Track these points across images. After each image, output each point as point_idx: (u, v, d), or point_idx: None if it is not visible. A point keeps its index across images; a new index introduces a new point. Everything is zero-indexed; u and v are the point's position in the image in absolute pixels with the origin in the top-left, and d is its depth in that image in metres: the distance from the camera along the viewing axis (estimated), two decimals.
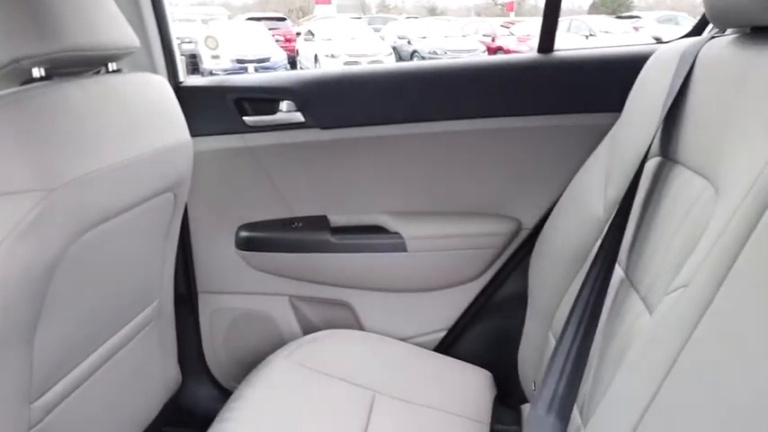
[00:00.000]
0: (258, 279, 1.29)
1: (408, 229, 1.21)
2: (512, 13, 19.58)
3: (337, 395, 1.00)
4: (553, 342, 0.91)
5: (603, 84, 1.09)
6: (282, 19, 12.53)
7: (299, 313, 1.32)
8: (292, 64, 10.57)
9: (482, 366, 1.17)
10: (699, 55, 0.79)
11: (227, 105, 1.19)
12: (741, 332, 0.46)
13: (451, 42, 10.49)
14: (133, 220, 0.87)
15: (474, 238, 1.20)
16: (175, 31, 1.22)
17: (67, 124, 0.73)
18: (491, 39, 11.71)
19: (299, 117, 1.18)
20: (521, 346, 1.09)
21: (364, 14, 20.50)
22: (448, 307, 1.27)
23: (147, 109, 0.90)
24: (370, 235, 1.24)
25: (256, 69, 8.94)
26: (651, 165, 0.82)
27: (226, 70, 8.82)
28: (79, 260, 0.77)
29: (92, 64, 0.86)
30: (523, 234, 1.22)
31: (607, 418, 0.62)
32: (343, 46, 10.10)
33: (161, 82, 0.97)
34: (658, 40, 1.46)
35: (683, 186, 0.71)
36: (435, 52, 10.45)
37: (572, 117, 1.13)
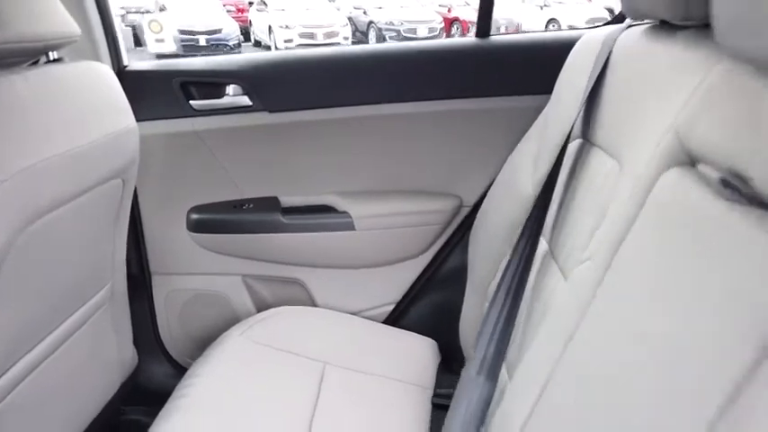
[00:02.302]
0: (211, 259, 1.32)
1: (356, 209, 1.26)
2: None
3: (289, 368, 1.05)
4: None
5: (536, 67, 1.15)
6: None
7: (252, 292, 1.36)
8: (245, 35, 10.31)
9: (428, 336, 1.24)
10: (616, 43, 0.86)
11: (174, 89, 1.20)
12: (630, 297, 0.53)
13: (408, 13, 10.40)
14: (82, 206, 0.89)
15: (418, 216, 1.27)
16: (119, 9, 1.21)
17: (10, 115, 0.74)
18: (447, 9, 11.65)
19: (246, 101, 1.21)
20: (461, 316, 1.16)
21: None
22: (395, 281, 1.33)
23: (90, 97, 0.91)
24: (319, 215, 1.28)
25: (207, 42, 8.71)
26: (573, 146, 0.89)
27: (175, 41, 8.56)
28: (28, 248, 0.79)
29: (32, 54, 0.86)
30: (465, 211, 1.29)
31: (524, 378, 0.70)
32: (298, 17, 9.90)
33: (103, 69, 0.98)
34: (611, 12, 1.53)
35: (598, 167, 0.78)
36: (392, 23, 10.35)
37: (508, 99, 1.19)
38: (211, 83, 1.21)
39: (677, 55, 0.65)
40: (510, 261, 0.84)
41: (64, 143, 0.81)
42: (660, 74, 0.67)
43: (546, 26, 9.92)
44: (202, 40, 8.69)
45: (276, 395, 0.98)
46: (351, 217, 1.26)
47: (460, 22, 11.25)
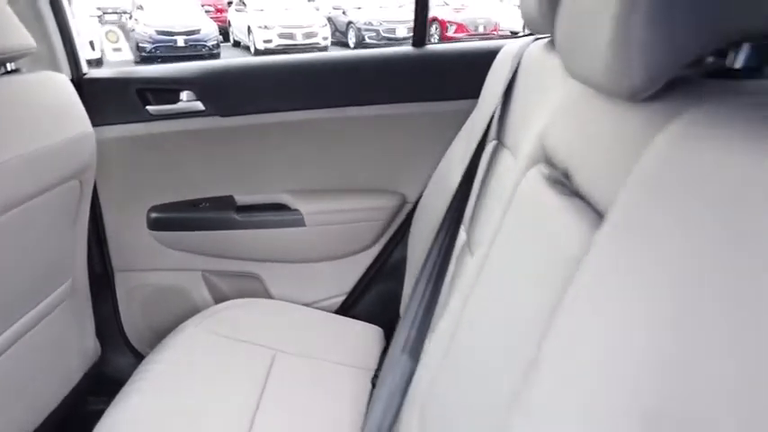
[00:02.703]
0: (171, 256, 1.40)
1: (307, 206, 1.35)
2: None
3: (241, 355, 1.13)
4: None
5: (467, 75, 1.24)
6: None
7: (211, 286, 1.44)
8: (224, 35, 10.32)
9: (376, 323, 1.33)
10: (524, 54, 0.95)
11: (130, 96, 1.27)
12: (500, 282, 0.63)
13: (387, 13, 10.44)
14: (38, 207, 0.96)
15: (365, 212, 1.35)
16: (81, 21, 1.28)
17: None
18: None
19: (199, 106, 1.29)
20: (402, 303, 1.25)
21: None
22: (345, 274, 1.42)
23: (46, 105, 0.98)
24: (272, 212, 1.37)
25: (185, 42, 8.71)
26: (490, 147, 0.98)
27: (152, 41, 8.52)
28: None
29: None
30: (408, 207, 1.38)
31: (433, 354, 0.79)
32: (277, 17, 9.92)
33: (59, 78, 1.05)
34: None
35: (506, 165, 0.88)
36: (371, 23, 10.41)
37: (443, 104, 1.28)
38: (166, 89, 1.29)
39: (554, 69, 0.74)
40: (431, 249, 0.93)
41: (19, 147, 0.89)
42: (543, 84, 0.77)
43: (524, 26, 10.08)
44: (180, 41, 8.69)
45: (228, 378, 1.06)
46: (302, 214, 1.35)
47: (439, 21, 11.34)
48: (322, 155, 1.34)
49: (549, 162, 0.60)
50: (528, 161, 0.66)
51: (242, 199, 1.38)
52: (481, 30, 10.42)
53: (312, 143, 1.33)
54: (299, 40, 9.84)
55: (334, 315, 1.36)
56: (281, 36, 9.69)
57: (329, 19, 10.80)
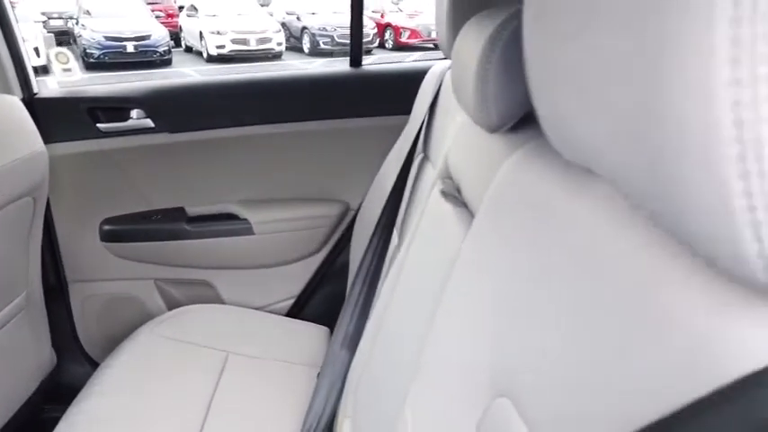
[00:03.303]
0: (124, 266, 1.46)
1: (255, 215, 1.43)
2: None
3: (194, 358, 1.20)
4: None
5: (400, 92, 1.35)
6: None
7: (164, 293, 1.50)
8: (176, 41, 10.20)
9: (325, 324, 1.42)
10: (446, 75, 1.07)
11: (81, 114, 1.33)
12: (412, 279, 0.73)
13: (341, 18, 10.50)
14: None
15: (311, 220, 1.45)
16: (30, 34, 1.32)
17: None
18: (380, 15, 11.87)
19: (149, 123, 1.35)
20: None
21: None
22: (294, 278, 1.51)
23: None
24: (222, 222, 1.44)
25: (135, 48, 8.58)
26: (418, 160, 1.09)
27: (101, 47, 8.35)
28: None
29: None
30: (351, 214, 1.48)
31: (364, 346, 0.89)
32: (230, 23, 9.84)
33: (9, 100, 1.10)
34: None
35: (427, 176, 0.99)
36: (325, 29, 10.44)
37: (379, 119, 1.39)
38: (116, 108, 1.35)
39: None
40: (366, 252, 1.03)
41: None
42: (453, 106, 0.88)
43: None
44: (130, 47, 8.55)
45: (181, 381, 1.13)
46: (250, 223, 1.43)
47: (393, 27, 11.52)
48: (269, 167, 1.43)
49: (449, 177, 0.71)
50: (438, 175, 0.77)
51: (193, 210, 1.45)
52: (434, 35, 10.61)
53: (259, 156, 1.41)
54: (253, 46, 9.80)
55: (283, 317, 1.44)
56: (235, 42, 9.63)
57: (283, 24, 10.77)
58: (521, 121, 0.54)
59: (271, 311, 1.48)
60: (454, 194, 0.64)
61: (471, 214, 0.61)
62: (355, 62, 1.39)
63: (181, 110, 1.36)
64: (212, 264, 1.47)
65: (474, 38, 0.58)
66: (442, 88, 1.04)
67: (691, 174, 0.19)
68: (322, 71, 1.43)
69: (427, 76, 1.18)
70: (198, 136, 1.38)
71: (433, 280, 0.61)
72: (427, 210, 0.76)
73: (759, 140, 0.17)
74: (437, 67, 1.16)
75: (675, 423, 0.22)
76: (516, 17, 0.52)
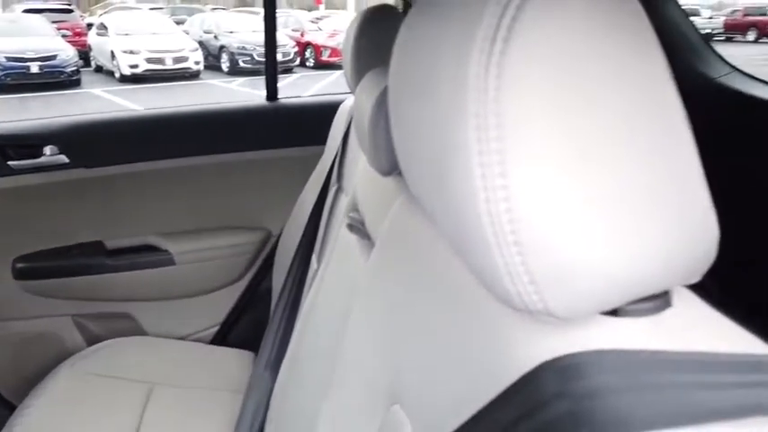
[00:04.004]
0: (40, 304, 1.43)
1: (176, 246, 1.45)
2: (321, 6, 20.14)
3: (117, 393, 1.20)
4: None
5: (316, 124, 1.43)
6: (69, 10, 11.31)
7: (83, 329, 1.48)
8: (85, 60, 9.78)
9: (251, 349, 1.45)
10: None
11: None
12: (327, 297, 0.80)
13: (261, 37, 10.44)
14: None
15: (232, 248, 1.49)
16: None
17: None
18: (300, 34, 11.93)
19: (63, 159, 1.35)
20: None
21: (168, 4, 19.42)
22: (218, 306, 1.54)
23: None
24: (143, 254, 1.45)
25: (40, 69, 8.15)
26: (333, 190, 1.17)
27: (2, 68, 7.85)
28: None
29: None
30: (273, 240, 1.53)
31: (284, 368, 0.95)
32: (144, 41, 9.57)
33: None
34: None
35: (341, 205, 1.07)
36: (244, 47, 10.38)
37: (297, 149, 1.47)
38: (28, 145, 1.34)
39: None
40: (287, 277, 1.09)
41: None
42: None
43: None
44: (34, 68, 8.10)
45: (104, 417, 1.13)
46: (171, 254, 1.45)
47: (313, 46, 11.63)
48: (189, 198, 1.46)
49: (356, 209, 0.80)
50: (347, 209, 0.85)
51: (112, 243, 1.45)
52: None
53: (179, 188, 1.44)
54: (170, 65, 9.58)
55: (208, 345, 1.46)
56: (150, 61, 9.38)
57: (200, 43, 10.62)
58: None
59: (195, 340, 1.50)
60: (359, 227, 0.72)
61: (373, 245, 0.69)
62: (271, 96, 1.46)
63: (97, 145, 1.37)
64: (133, 296, 1.47)
65: (368, 92, 0.67)
66: (352, 122, 1.13)
67: (468, 232, 0.28)
68: (239, 105, 1.48)
69: (339, 110, 1.27)
70: (115, 170, 1.39)
71: (341, 305, 0.69)
72: (339, 239, 0.84)
73: (501, 219, 0.26)
74: (349, 101, 1.25)
75: (490, 408, 0.31)
76: None
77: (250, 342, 1.50)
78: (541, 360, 0.29)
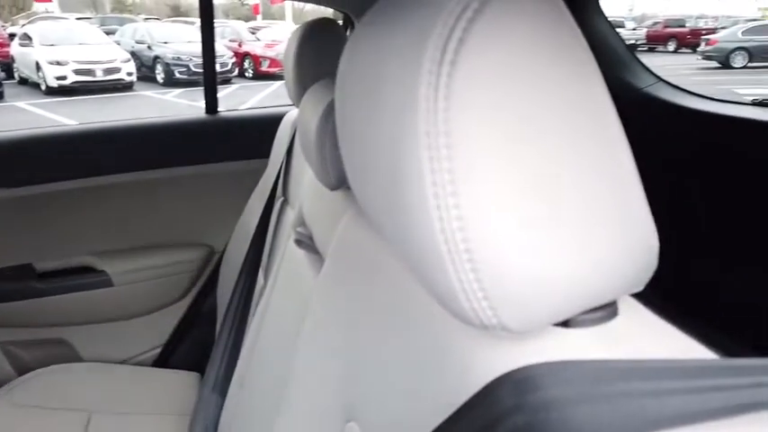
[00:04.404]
0: None
1: (113, 266, 1.39)
2: (258, 16, 19.92)
3: (53, 424, 1.14)
4: None
5: (258, 137, 1.41)
6: None
7: (12, 357, 1.39)
8: (7, 72, 9.27)
9: (194, 370, 1.41)
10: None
11: None
12: (274, 321, 0.79)
13: (197, 47, 10.18)
14: None
15: (173, 266, 1.44)
16: None
17: None
18: (238, 44, 11.76)
19: None
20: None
21: (96, 13, 18.70)
22: (160, 326, 1.48)
23: None
24: (77, 276, 1.38)
25: None
26: (279, 203, 1.15)
27: None
28: None
29: None
30: (216, 257, 1.49)
31: (232, 388, 0.93)
32: (72, 52, 9.16)
33: None
34: None
35: (288, 220, 1.05)
36: (180, 58, 10.14)
37: (239, 163, 1.44)
38: None
39: None
40: (233, 294, 1.06)
41: None
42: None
43: None
44: None
45: None
46: (108, 274, 1.38)
47: (252, 56, 11.49)
48: (126, 216, 1.40)
49: (303, 223, 0.79)
50: (294, 222, 0.84)
51: (43, 266, 1.37)
52: None
53: (114, 205, 1.38)
54: (100, 77, 9.23)
55: (150, 368, 1.41)
56: (78, 72, 9.00)
57: (133, 53, 10.30)
58: None
59: (136, 364, 1.44)
60: (307, 242, 0.71)
61: (323, 260, 0.69)
62: (211, 109, 1.43)
63: (23, 163, 1.29)
64: (68, 321, 1.40)
65: (314, 106, 0.66)
66: (297, 135, 1.12)
67: (423, 249, 0.28)
68: (177, 118, 1.44)
69: (283, 123, 1.26)
70: (43, 189, 1.32)
71: (292, 322, 0.68)
72: (286, 254, 0.83)
73: (455, 237, 0.26)
74: (292, 114, 1.24)
75: (449, 423, 0.32)
76: None
77: (195, 363, 1.45)
78: (498, 373, 0.30)
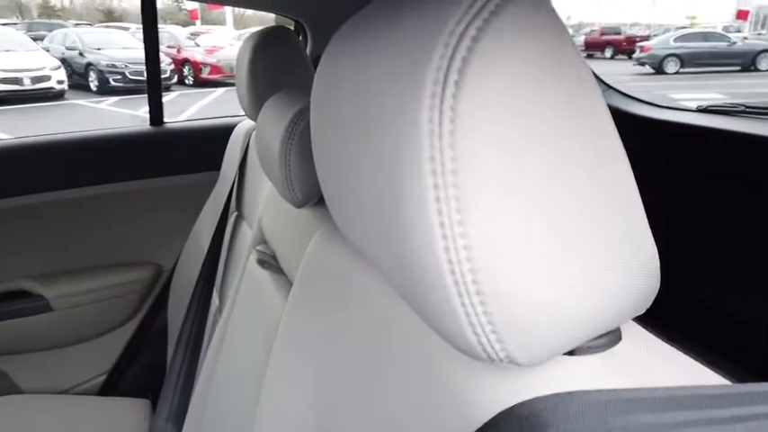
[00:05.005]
0: None
1: (52, 290, 1.30)
2: (197, 21, 19.44)
3: None
4: None
5: (207, 148, 1.35)
6: None
7: None
8: None
9: (144, 396, 1.33)
10: (253, 133, 1.10)
11: None
12: (236, 343, 0.75)
13: (133, 53, 9.85)
14: None
15: (119, 287, 1.36)
16: None
17: None
18: (176, 50, 11.44)
19: None
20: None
21: (22, 18, 17.77)
22: (104, 352, 1.39)
23: None
24: (12, 301, 1.28)
25: None
26: (232, 218, 1.11)
27: None
28: None
29: None
30: (165, 276, 1.42)
31: (192, 416, 0.87)
32: None
33: None
34: None
35: (244, 236, 1.01)
36: (114, 65, 9.76)
37: (188, 176, 1.37)
38: None
39: None
40: (187, 315, 1.01)
41: None
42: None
43: None
44: None
45: None
46: (47, 299, 1.29)
47: (191, 63, 11.18)
48: (65, 235, 1.31)
49: (264, 241, 0.75)
50: (253, 241, 0.80)
51: None
52: (227, 71, 10.55)
53: (52, 224, 1.29)
54: (28, 85, 8.78)
55: (94, 397, 1.32)
56: (4, 81, 8.54)
57: (64, 61, 9.84)
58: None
59: (80, 393, 1.35)
60: (271, 262, 0.68)
61: (289, 281, 0.65)
62: (156, 121, 1.36)
63: None
64: (4, 350, 1.29)
65: (275, 119, 0.63)
66: (251, 148, 1.07)
67: (425, 281, 0.26)
68: (120, 131, 1.36)
69: (234, 134, 1.21)
70: None
71: (256, 349, 0.64)
72: (246, 274, 0.78)
73: (462, 268, 0.24)
74: (244, 124, 1.19)
75: None
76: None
77: (144, 390, 1.37)
78: (501, 408, 0.28)
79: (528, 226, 0.24)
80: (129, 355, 1.42)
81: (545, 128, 0.24)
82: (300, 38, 1.37)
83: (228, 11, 18.50)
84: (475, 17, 0.23)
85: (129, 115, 7.61)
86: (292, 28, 1.36)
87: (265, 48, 0.91)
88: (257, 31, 0.94)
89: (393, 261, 0.29)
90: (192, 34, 13.29)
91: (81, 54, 10.22)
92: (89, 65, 9.99)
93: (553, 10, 0.25)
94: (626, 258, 0.27)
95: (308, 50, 1.37)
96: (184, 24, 17.75)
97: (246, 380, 0.65)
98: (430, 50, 0.24)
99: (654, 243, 0.28)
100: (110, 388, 1.41)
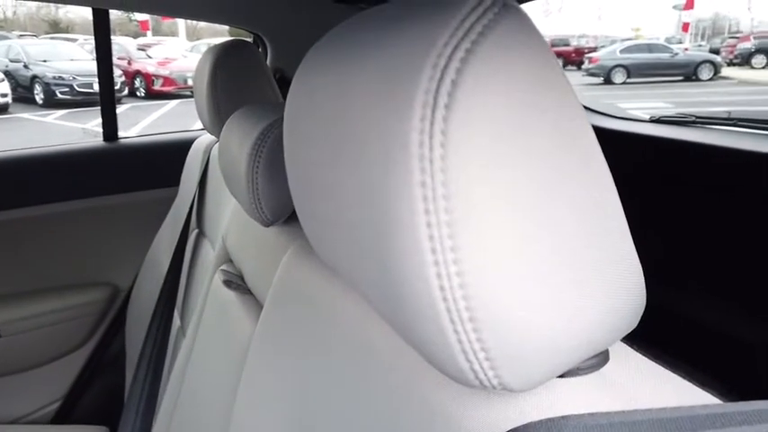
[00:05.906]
0: None
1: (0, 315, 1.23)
2: (148, 32, 18.99)
3: None
4: None
5: (164, 164, 1.32)
6: None
7: None
8: None
9: (101, 423, 1.27)
10: (213, 147, 1.07)
11: None
12: (203, 365, 0.72)
13: (81, 65, 9.54)
14: None
15: (73, 310, 1.30)
16: None
17: None
18: (127, 62, 11.15)
19: None
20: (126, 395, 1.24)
21: None
22: (58, 378, 1.33)
23: None
24: None
25: None
26: (193, 235, 1.07)
27: None
28: None
29: None
30: (122, 296, 1.37)
31: None
32: None
33: None
34: None
35: (206, 254, 0.98)
36: (62, 77, 9.44)
37: (144, 193, 1.33)
38: None
39: None
40: (147, 337, 0.97)
41: None
42: (223, 183, 0.90)
43: None
44: None
45: None
46: None
47: (143, 74, 10.92)
48: (14, 257, 1.24)
49: (230, 260, 0.73)
50: (217, 260, 0.78)
51: None
52: (191, 83, 10.35)
53: (0, 246, 1.23)
54: None
55: (49, 426, 1.26)
56: None
57: (7, 73, 9.47)
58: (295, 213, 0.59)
59: (32, 422, 1.28)
60: (238, 282, 0.66)
61: (258, 302, 0.63)
62: (110, 137, 1.31)
63: None
64: None
65: (241, 136, 0.61)
66: (211, 163, 1.05)
67: (416, 309, 0.26)
68: (72, 147, 1.30)
69: (193, 149, 1.18)
70: None
71: (225, 373, 0.62)
72: (210, 294, 0.76)
73: (455, 294, 0.24)
74: (203, 139, 1.16)
75: None
76: (279, 124, 0.57)
77: (102, 416, 1.32)
78: None
79: (521, 250, 0.24)
80: (85, 380, 1.36)
81: (534, 150, 0.24)
82: (262, 51, 1.35)
83: (181, 22, 18.15)
84: (463, 39, 0.23)
85: (78, 129, 7.34)
86: (251, 40, 1.34)
87: (226, 61, 0.89)
88: (217, 45, 0.92)
89: (379, 286, 0.28)
90: (143, 45, 12.98)
91: (26, 66, 9.85)
92: (34, 77, 9.63)
93: (536, 28, 0.25)
94: (615, 278, 0.27)
95: (267, 63, 1.35)
96: (135, 36, 17.31)
97: (214, 405, 0.63)
98: (418, 71, 0.23)
99: (639, 263, 0.28)
100: (64, 415, 1.34)
